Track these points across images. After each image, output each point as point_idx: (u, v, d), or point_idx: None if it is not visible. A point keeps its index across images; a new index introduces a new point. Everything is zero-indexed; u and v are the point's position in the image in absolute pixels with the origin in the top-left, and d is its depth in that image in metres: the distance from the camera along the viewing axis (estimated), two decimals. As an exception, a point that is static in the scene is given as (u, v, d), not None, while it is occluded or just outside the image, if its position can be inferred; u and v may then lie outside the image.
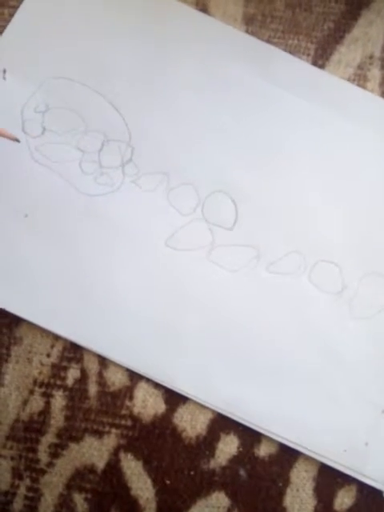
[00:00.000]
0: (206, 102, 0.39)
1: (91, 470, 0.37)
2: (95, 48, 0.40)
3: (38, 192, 0.38)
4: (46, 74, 0.40)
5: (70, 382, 0.37)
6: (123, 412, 0.37)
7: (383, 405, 0.36)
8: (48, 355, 0.37)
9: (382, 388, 0.37)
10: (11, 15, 0.40)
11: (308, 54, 0.40)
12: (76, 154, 0.39)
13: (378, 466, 0.36)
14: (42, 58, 0.40)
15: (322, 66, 0.40)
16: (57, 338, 0.37)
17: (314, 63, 0.40)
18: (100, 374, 0.37)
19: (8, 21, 0.40)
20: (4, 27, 0.40)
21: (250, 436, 0.37)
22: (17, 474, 0.37)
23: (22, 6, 0.40)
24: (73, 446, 0.37)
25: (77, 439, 0.37)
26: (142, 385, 0.37)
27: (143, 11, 0.40)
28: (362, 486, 0.36)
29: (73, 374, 0.37)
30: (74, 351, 0.37)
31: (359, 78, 0.40)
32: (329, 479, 0.37)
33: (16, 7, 0.40)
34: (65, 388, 0.37)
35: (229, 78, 0.40)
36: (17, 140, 0.38)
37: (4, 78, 0.39)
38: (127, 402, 0.37)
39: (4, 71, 0.39)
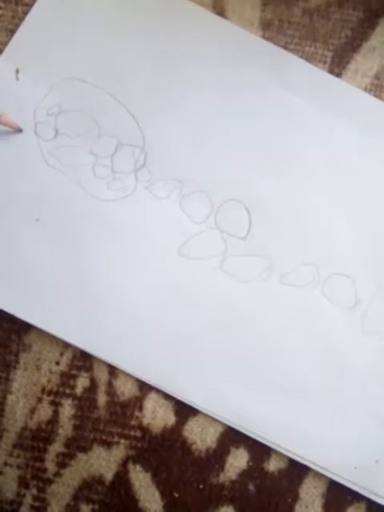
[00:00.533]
0: (221, 109, 0.39)
1: (99, 480, 0.36)
2: (109, 50, 0.39)
3: (50, 196, 0.38)
4: (58, 74, 0.39)
5: (79, 390, 0.37)
6: (132, 423, 0.37)
7: (395, 422, 0.36)
8: (57, 363, 0.37)
9: (394, 405, 0.37)
10: (25, 13, 0.39)
11: (324, 62, 0.40)
12: (89, 159, 0.39)
13: (389, 484, 0.36)
14: (55, 59, 0.39)
15: (338, 75, 0.40)
16: (66, 345, 0.37)
17: (331, 71, 0.40)
18: (110, 384, 0.37)
19: (22, 19, 0.39)
20: (17, 25, 0.39)
21: (259, 450, 0.37)
22: (23, 483, 0.36)
23: (36, 5, 0.39)
24: (81, 456, 0.36)
25: (85, 449, 0.37)
26: (152, 395, 0.37)
27: (158, 13, 0.40)
28: (371, 504, 0.36)
29: (82, 382, 0.37)
30: (83, 360, 0.37)
31: (376, 88, 0.40)
32: (338, 496, 0.36)
33: (30, 5, 0.39)
34: (74, 397, 0.37)
35: (244, 84, 0.39)
36: (20, 130, 0.37)
37: (17, 79, 0.39)
38: (137, 413, 0.37)
39: (17, 71, 0.39)
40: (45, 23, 0.39)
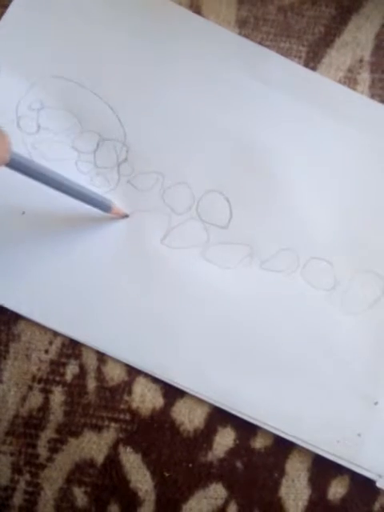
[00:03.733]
0: (200, 103, 0.40)
1: (91, 464, 0.37)
2: (90, 47, 0.40)
3: (36, 189, 0.38)
4: (40, 72, 0.40)
5: (68, 377, 0.38)
6: (122, 406, 0.37)
7: (375, 397, 0.37)
8: (46, 351, 0.38)
9: (374, 380, 0.38)
10: (2, 13, 0.40)
11: (299, 57, 0.41)
12: (72, 154, 0.39)
13: (371, 456, 0.37)
14: (36, 56, 0.40)
15: (313, 69, 0.41)
16: (55, 334, 0.38)
17: (306, 66, 0.41)
18: (98, 370, 0.38)
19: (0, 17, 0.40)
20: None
21: (246, 429, 0.37)
22: (16, 469, 0.37)
23: (13, 4, 0.40)
24: (72, 440, 0.37)
25: (76, 434, 0.37)
26: (141, 380, 0.38)
27: (137, 11, 0.41)
28: (354, 476, 0.37)
29: (71, 369, 0.38)
30: (72, 347, 0.38)
31: (349, 81, 0.41)
32: (323, 470, 0.37)
33: (7, 5, 0.40)
34: (64, 384, 0.38)
35: (222, 79, 0.41)
36: (126, 215, 0.39)
37: (-1, 75, 0.40)
38: (126, 397, 0.38)
39: (-1, 67, 0.40)
40: (23, 21, 0.40)
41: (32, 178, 0.31)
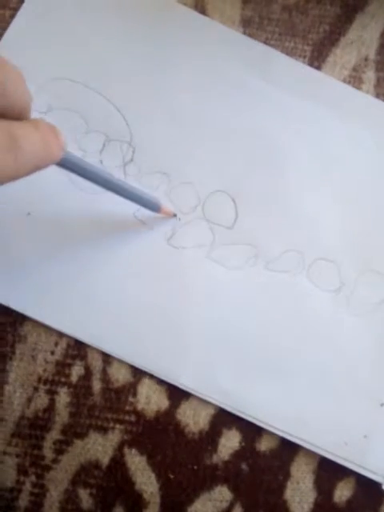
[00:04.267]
0: (206, 102, 0.40)
1: (96, 465, 0.37)
2: (96, 49, 0.40)
3: (41, 190, 0.39)
4: (47, 75, 0.40)
5: (74, 379, 0.38)
6: (127, 408, 0.37)
7: (381, 398, 0.37)
8: (52, 353, 0.38)
9: (380, 382, 0.37)
10: (12, 17, 0.40)
11: (304, 56, 0.41)
12: (78, 154, 0.39)
13: (377, 458, 0.37)
14: (44, 60, 0.40)
15: (317, 68, 0.41)
16: (61, 335, 0.38)
17: (310, 65, 0.41)
18: (104, 371, 0.38)
19: (9, 22, 0.40)
20: (4, 29, 0.40)
21: (251, 431, 0.37)
22: (22, 471, 0.37)
23: (23, 8, 0.40)
24: (77, 442, 0.37)
25: (81, 435, 0.37)
26: (146, 381, 0.38)
27: (143, 12, 0.41)
28: (360, 479, 0.37)
29: (77, 371, 0.38)
30: (77, 348, 0.38)
31: (354, 79, 0.41)
32: (328, 472, 0.37)
33: (16, 9, 0.40)
34: (69, 385, 0.38)
35: (228, 79, 0.40)
36: (174, 215, 0.39)
37: (6, 80, 0.40)
38: (131, 398, 0.38)
39: (6, 72, 0.40)
40: (32, 25, 0.40)
41: (83, 177, 0.31)
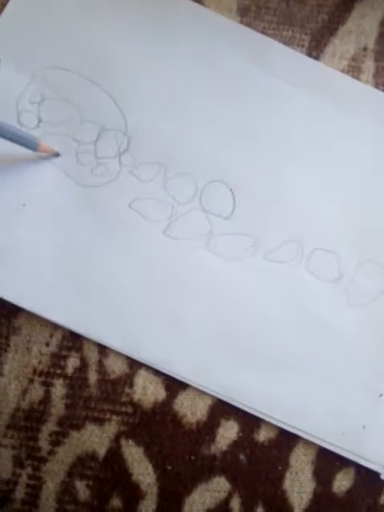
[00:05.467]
0: (203, 92, 0.40)
1: (92, 457, 0.37)
2: (90, 38, 0.40)
3: (36, 182, 0.38)
4: (40, 64, 0.40)
5: (69, 370, 0.37)
6: (123, 399, 0.37)
7: (380, 389, 0.37)
8: (47, 344, 0.38)
9: (379, 373, 0.37)
10: (3, 5, 0.40)
11: (302, 46, 0.41)
12: (72, 145, 0.39)
13: (376, 448, 0.37)
14: (37, 48, 0.40)
15: (316, 58, 0.41)
16: (56, 327, 0.38)
17: (309, 54, 0.41)
18: (100, 363, 0.37)
19: (1, 11, 0.40)
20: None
21: (249, 421, 0.37)
22: (18, 463, 0.37)
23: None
24: (74, 433, 0.37)
25: (77, 427, 0.37)
26: (142, 372, 0.37)
27: (139, 1, 0.40)
28: (359, 469, 0.37)
29: (72, 362, 0.37)
30: (73, 340, 0.38)
31: (353, 69, 0.41)
32: (327, 462, 0.37)
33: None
34: (65, 377, 0.37)
35: (225, 68, 0.40)
36: (57, 154, 0.38)
37: (-1, 68, 0.39)
38: (127, 390, 0.37)
39: (-1, 61, 0.39)
40: (25, 13, 0.40)
41: None
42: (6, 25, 0.40)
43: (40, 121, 0.39)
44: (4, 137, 0.35)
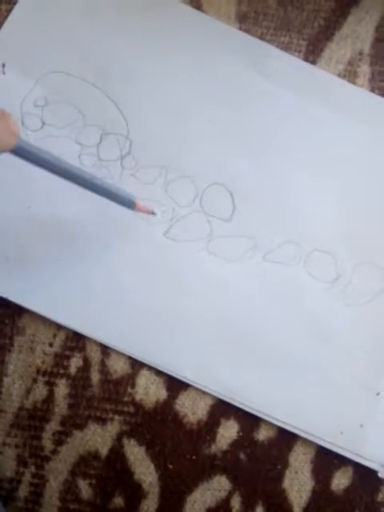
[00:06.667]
0: (202, 97, 0.40)
1: (95, 456, 0.37)
2: (93, 44, 0.41)
3: (40, 184, 0.39)
4: (44, 68, 0.40)
5: (72, 370, 0.38)
6: (126, 399, 0.38)
7: (377, 388, 0.38)
8: (51, 344, 0.38)
9: (376, 372, 0.38)
10: (9, 10, 0.40)
11: (299, 51, 0.41)
12: (75, 148, 0.40)
13: (374, 446, 0.37)
14: (41, 53, 0.40)
15: (313, 62, 0.41)
16: (59, 327, 0.38)
17: (306, 59, 0.41)
18: (102, 363, 0.38)
19: (6, 16, 0.40)
20: (2, 22, 0.40)
21: (249, 421, 0.38)
22: (22, 462, 0.37)
23: (20, 2, 0.40)
24: (76, 433, 0.37)
25: (80, 426, 0.37)
26: (144, 372, 0.38)
27: (139, 8, 0.41)
28: (358, 467, 0.37)
29: (75, 362, 0.38)
30: (76, 340, 0.38)
31: (349, 74, 0.41)
32: (326, 461, 0.38)
33: (14, 2, 0.40)
34: (68, 376, 0.38)
35: (224, 73, 0.41)
36: (153, 213, 0.39)
37: (3, 73, 0.40)
38: (129, 390, 0.38)
39: (3, 65, 0.40)
40: (30, 18, 0.41)
41: (41, 167, 0.30)
42: (11, 30, 0.40)
43: (43, 123, 0.40)
44: (102, 195, 0.34)
